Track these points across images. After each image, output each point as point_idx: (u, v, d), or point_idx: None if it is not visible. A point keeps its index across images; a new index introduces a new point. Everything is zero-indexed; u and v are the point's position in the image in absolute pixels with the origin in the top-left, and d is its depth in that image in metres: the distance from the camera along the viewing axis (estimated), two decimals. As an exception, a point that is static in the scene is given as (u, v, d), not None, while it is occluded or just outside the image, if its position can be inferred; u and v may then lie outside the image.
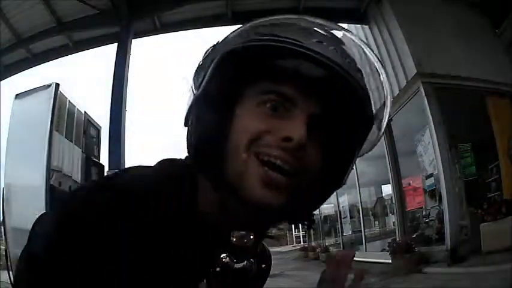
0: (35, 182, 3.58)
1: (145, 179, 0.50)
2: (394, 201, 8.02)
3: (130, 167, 0.55)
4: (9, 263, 3.53)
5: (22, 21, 7.17)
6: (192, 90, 0.53)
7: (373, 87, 0.52)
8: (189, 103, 0.53)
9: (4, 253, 3.71)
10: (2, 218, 3.73)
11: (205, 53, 0.55)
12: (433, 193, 6.85)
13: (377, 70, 0.54)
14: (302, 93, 0.49)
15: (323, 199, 0.55)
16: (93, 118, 4.96)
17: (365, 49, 0.54)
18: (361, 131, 0.53)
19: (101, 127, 5.28)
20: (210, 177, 0.51)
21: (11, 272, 3.49)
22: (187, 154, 0.55)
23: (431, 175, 6.78)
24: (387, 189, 9.07)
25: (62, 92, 4.02)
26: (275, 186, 0.48)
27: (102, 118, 5.80)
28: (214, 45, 0.55)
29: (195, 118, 0.52)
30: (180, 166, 0.54)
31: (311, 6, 7.41)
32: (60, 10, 7.17)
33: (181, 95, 0.57)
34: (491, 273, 4.23)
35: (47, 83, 3.99)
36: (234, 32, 0.54)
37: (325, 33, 0.51)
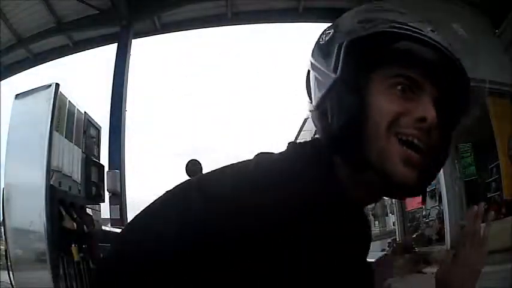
0: (35, 182, 3.57)
1: (286, 168, 0.54)
2: (394, 201, 8.01)
3: (259, 155, 0.57)
4: (9, 263, 3.52)
5: (22, 21, 7.17)
6: (321, 73, 0.57)
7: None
8: (326, 85, 0.56)
9: (4, 253, 3.70)
10: (2, 218, 3.72)
11: (325, 34, 0.59)
12: (433, 193, 6.84)
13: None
14: (428, 78, 0.55)
15: (438, 172, 0.60)
16: (93, 118, 4.95)
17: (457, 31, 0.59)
18: (464, 108, 0.61)
19: (101, 127, 5.26)
20: (351, 158, 0.55)
21: (11, 272, 3.48)
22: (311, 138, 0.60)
23: (431, 175, 6.77)
24: (387, 189, 9.05)
25: (62, 92, 4.01)
26: (412, 163, 0.53)
27: (102, 118, 5.80)
28: (333, 28, 0.59)
29: (336, 101, 0.55)
30: (316, 149, 0.58)
31: (311, 6, 7.40)
32: (60, 10, 7.17)
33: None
34: (491, 273, 4.22)
35: (47, 83, 3.98)
36: (349, 14, 0.59)
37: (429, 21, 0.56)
